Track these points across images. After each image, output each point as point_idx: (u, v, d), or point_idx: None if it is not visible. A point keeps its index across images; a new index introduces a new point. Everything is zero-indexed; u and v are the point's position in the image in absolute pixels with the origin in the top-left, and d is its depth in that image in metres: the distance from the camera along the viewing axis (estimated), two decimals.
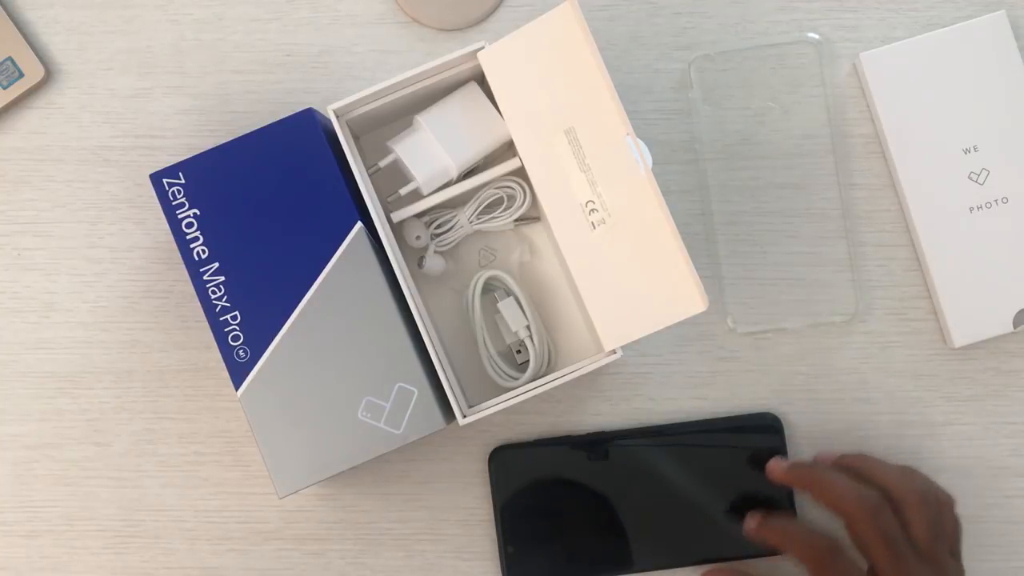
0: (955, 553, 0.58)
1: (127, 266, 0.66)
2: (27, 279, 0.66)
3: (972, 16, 0.66)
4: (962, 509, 0.59)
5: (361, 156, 0.61)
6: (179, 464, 0.65)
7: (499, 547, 0.64)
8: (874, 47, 0.66)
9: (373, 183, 0.60)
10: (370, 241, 0.58)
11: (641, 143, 0.55)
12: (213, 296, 0.58)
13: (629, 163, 0.55)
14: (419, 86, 0.60)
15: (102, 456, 0.65)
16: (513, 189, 0.63)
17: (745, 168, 0.66)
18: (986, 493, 0.65)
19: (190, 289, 0.65)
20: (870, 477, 0.58)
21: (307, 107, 0.58)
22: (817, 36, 0.66)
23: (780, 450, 0.64)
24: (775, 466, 0.61)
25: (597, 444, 0.64)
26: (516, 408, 0.59)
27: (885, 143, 0.65)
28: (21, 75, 0.66)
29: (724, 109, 0.66)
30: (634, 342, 0.65)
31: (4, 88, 0.66)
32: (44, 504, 0.65)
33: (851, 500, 0.56)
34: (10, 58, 0.66)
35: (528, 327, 0.62)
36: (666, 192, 0.66)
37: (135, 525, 0.65)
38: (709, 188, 0.66)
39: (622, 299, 0.57)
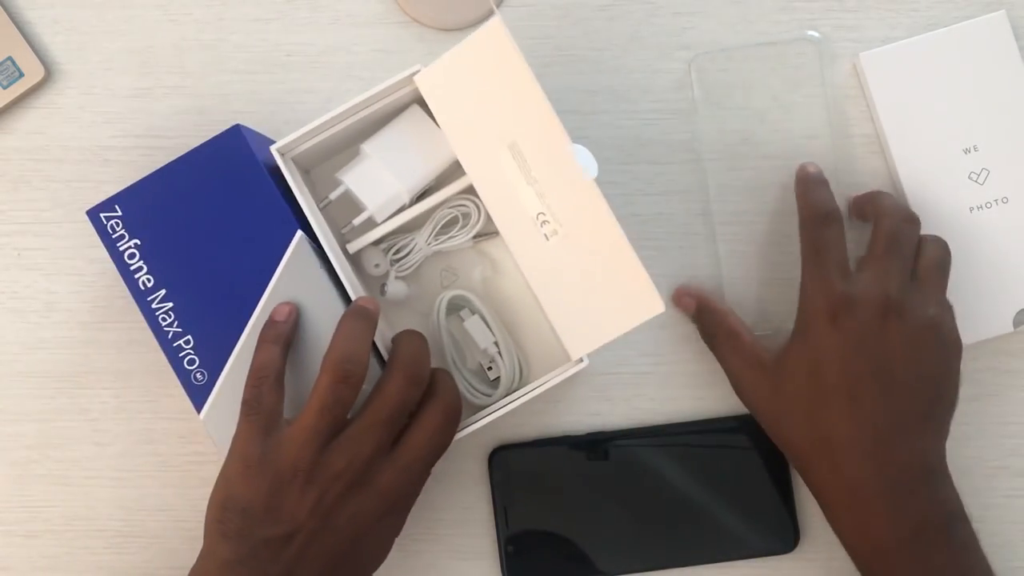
0: (927, 279, 0.59)
1: None
2: (27, 279, 0.66)
3: (972, 16, 0.66)
4: None
5: (312, 189, 0.60)
6: (179, 464, 0.65)
7: (499, 547, 0.64)
8: (874, 47, 0.66)
9: (327, 216, 0.60)
10: (313, 248, 0.58)
11: (584, 150, 0.55)
12: (164, 323, 0.58)
13: (573, 172, 0.56)
14: (361, 115, 0.60)
15: (102, 456, 0.65)
16: (467, 207, 0.62)
17: (745, 168, 0.66)
18: (986, 493, 0.65)
19: None
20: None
21: (234, 124, 0.58)
22: (817, 35, 0.66)
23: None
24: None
25: (597, 444, 0.64)
26: (515, 408, 0.59)
27: (885, 143, 0.65)
28: (21, 75, 0.66)
29: (724, 109, 0.66)
30: (635, 342, 0.65)
31: (4, 88, 0.66)
32: (44, 504, 0.65)
33: (806, 205, 0.61)
34: (10, 58, 0.66)
35: (496, 343, 0.62)
36: (667, 192, 0.66)
37: (135, 525, 0.65)
38: (709, 188, 0.66)
39: (582, 307, 0.57)
